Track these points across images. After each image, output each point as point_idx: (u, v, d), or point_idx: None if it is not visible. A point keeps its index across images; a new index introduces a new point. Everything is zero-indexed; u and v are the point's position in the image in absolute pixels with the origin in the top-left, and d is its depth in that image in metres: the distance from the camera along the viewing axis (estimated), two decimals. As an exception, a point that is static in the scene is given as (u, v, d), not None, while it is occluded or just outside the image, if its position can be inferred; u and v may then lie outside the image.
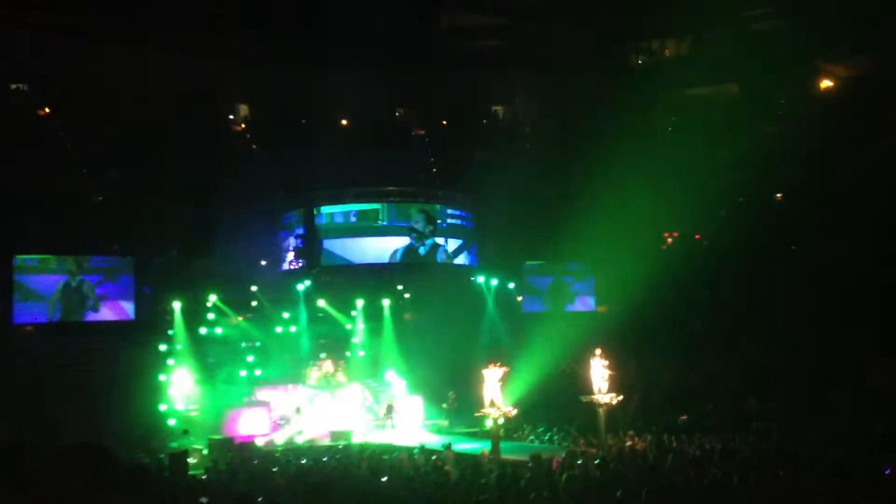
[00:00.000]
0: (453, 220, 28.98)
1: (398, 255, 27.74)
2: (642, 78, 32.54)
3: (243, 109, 33.28)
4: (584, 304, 30.02)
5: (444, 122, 35.09)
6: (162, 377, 23.56)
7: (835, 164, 25.37)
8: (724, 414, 22.48)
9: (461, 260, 29.09)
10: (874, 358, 23.05)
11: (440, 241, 28.28)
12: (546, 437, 21.80)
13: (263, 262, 29.11)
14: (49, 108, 29.14)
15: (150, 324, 24.34)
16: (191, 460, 18.92)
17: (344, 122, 33.87)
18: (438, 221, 28.51)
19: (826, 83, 30.07)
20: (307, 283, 26.20)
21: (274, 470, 16.23)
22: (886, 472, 12.62)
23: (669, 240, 31.44)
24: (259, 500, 10.91)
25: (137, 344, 23.55)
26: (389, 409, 24.26)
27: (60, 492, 3.27)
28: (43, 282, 23.85)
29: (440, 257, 28.12)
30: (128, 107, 27.81)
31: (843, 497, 11.07)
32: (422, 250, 27.96)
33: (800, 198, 27.39)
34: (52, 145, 27.79)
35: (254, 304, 24.96)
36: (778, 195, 29.82)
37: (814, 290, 24.97)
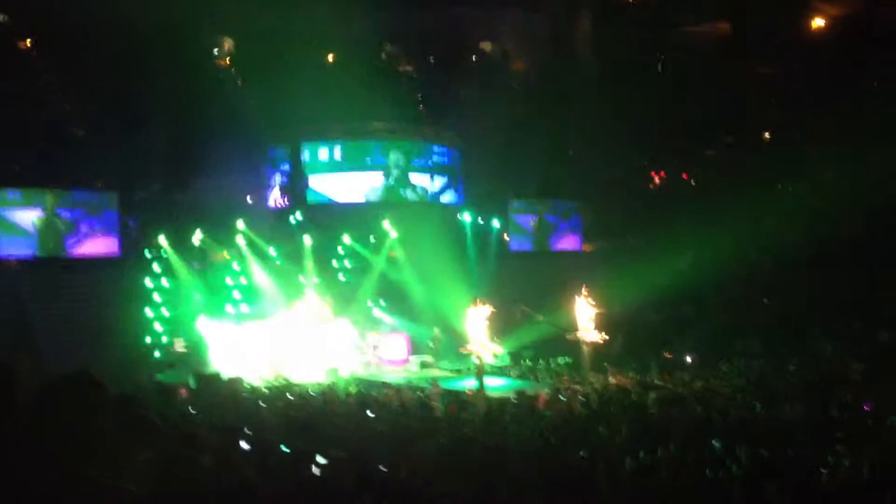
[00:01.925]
0: (439, 158, 28.86)
1: (378, 194, 27.83)
2: (631, 15, 32.13)
3: (227, 43, 32.71)
4: (571, 243, 30.05)
5: (432, 59, 34.67)
6: (148, 312, 23.67)
7: (825, 102, 25.27)
8: (706, 353, 22.73)
9: (447, 198, 29.00)
10: (858, 298, 23.32)
11: (418, 178, 28.36)
12: (531, 375, 22.01)
13: (249, 198, 28.95)
14: (30, 41, 28.56)
15: (135, 258, 24.30)
16: (178, 394, 18.99)
17: (330, 57, 33.40)
18: (424, 159, 28.41)
19: (818, 22, 29.81)
20: (296, 217, 26.10)
21: (261, 404, 16.33)
22: (865, 408, 12.86)
23: (657, 178, 31.43)
24: (245, 431, 10.98)
25: (122, 278, 23.52)
26: (375, 345, 24.43)
27: (49, 417, 3.26)
28: (26, 216, 23.67)
29: (412, 194, 28.22)
30: (110, 39, 27.24)
31: (820, 435, 11.29)
32: (401, 191, 28.07)
33: (788, 137, 27.33)
34: (33, 78, 27.33)
35: (240, 239, 24.89)
36: (766, 134, 29.78)
37: (800, 229, 25.05)
